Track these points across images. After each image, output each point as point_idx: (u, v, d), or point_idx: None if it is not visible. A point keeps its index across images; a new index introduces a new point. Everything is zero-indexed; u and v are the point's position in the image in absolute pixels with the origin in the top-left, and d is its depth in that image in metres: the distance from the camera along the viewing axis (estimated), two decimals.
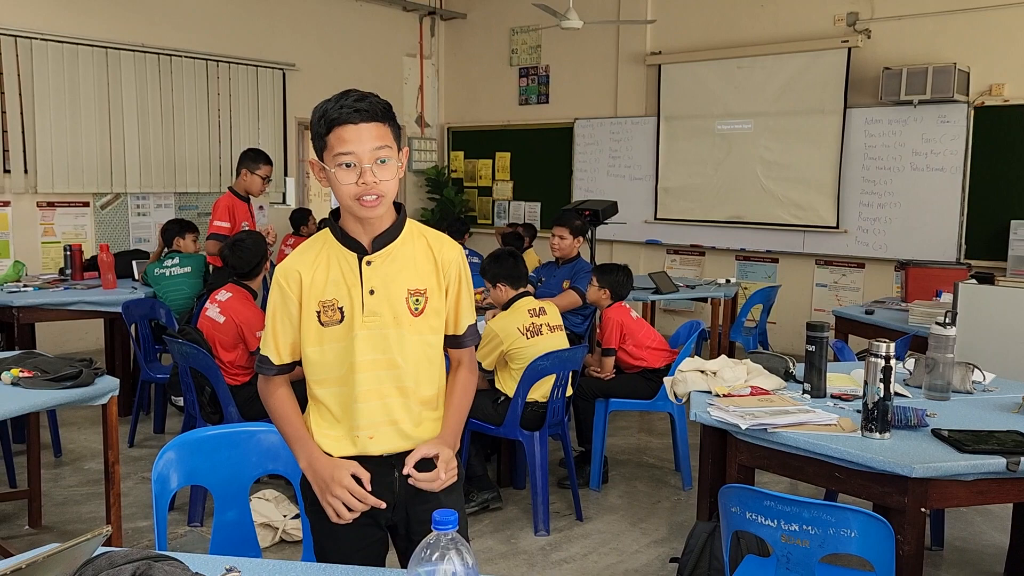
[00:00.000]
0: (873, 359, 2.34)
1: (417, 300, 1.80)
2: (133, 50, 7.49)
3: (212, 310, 3.98)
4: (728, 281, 6.67)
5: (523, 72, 9.72)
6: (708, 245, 8.34)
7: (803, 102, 7.53)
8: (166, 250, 5.56)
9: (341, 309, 1.77)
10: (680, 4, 8.36)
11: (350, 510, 1.73)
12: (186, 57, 7.85)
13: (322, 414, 1.84)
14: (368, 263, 1.78)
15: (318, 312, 1.78)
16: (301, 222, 7.71)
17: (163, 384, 4.80)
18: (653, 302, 7.03)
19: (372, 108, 1.71)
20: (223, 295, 4.01)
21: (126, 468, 4.28)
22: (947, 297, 4.48)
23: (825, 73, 7.38)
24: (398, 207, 1.82)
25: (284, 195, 8.79)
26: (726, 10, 8.06)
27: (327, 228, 1.84)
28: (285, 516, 3.61)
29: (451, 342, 1.90)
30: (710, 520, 2.70)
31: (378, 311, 1.77)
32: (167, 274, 5.35)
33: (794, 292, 7.64)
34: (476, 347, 2.02)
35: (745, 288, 7.54)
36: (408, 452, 1.80)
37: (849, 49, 7.22)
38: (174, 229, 5.69)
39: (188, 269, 5.40)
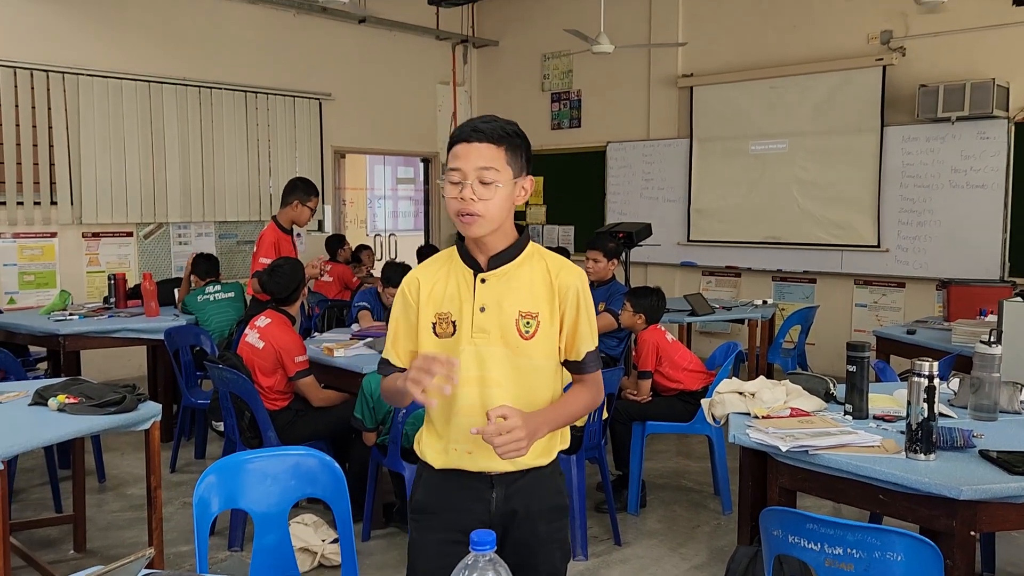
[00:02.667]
0: (916, 379, 2.30)
1: (528, 323, 1.81)
2: (175, 83, 7.68)
3: (251, 336, 4.04)
4: (765, 302, 6.60)
5: (555, 97, 9.78)
6: (744, 266, 8.26)
7: (839, 121, 7.47)
8: (204, 280, 5.67)
9: (454, 323, 1.81)
10: (711, 27, 8.37)
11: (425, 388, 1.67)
12: (226, 89, 8.03)
13: (429, 425, 1.89)
14: (483, 280, 1.81)
15: (434, 324, 1.83)
16: (337, 247, 7.82)
17: (204, 410, 4.87)
18: (689, 324, 6.98)
19: (491, 131, 1.76)
20: (262, 321, 4.07)
21: (168, 493, 4.33)
22: (991, 316, 4.39)
23: (860, 92, 7.32)
24: (520, 229, 1.86)
25: (320, 222, 8.91)
26: (757, 31, 8.05)
27: (455, 245, 1.90)
28: (324, 540, 3.62)
29: (572, 367, 1.90)
30: (751, 544, 2.66)
31: (486, 328, 1.80)
32: (211, 299, 5.49)
33: (833, 313, 7.52)
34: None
35: (782, 309, 7.45)
36: (508, 472, 1.81)
37: (884, 67, 7.16)
38: (215, 266, 5.83)
39: (232, 294, 5.59)
